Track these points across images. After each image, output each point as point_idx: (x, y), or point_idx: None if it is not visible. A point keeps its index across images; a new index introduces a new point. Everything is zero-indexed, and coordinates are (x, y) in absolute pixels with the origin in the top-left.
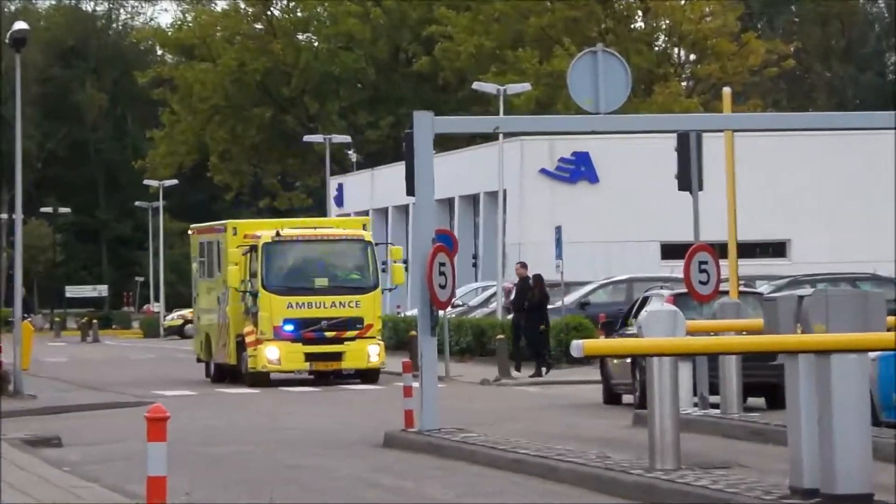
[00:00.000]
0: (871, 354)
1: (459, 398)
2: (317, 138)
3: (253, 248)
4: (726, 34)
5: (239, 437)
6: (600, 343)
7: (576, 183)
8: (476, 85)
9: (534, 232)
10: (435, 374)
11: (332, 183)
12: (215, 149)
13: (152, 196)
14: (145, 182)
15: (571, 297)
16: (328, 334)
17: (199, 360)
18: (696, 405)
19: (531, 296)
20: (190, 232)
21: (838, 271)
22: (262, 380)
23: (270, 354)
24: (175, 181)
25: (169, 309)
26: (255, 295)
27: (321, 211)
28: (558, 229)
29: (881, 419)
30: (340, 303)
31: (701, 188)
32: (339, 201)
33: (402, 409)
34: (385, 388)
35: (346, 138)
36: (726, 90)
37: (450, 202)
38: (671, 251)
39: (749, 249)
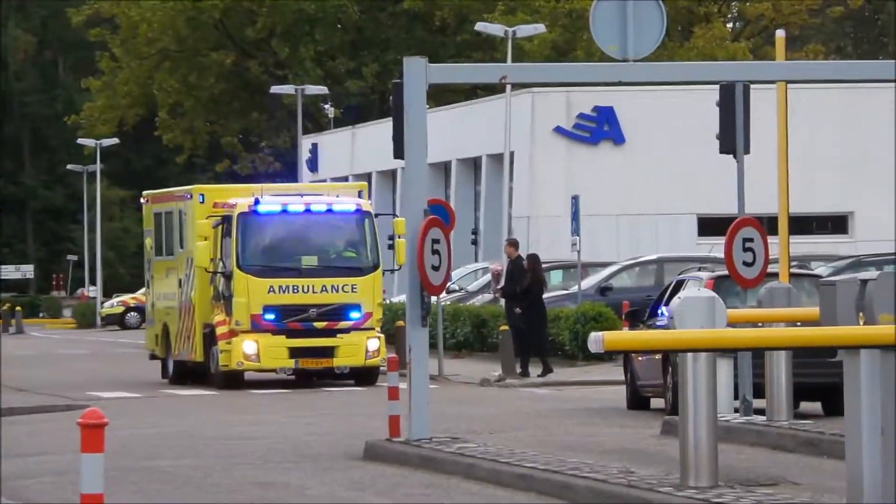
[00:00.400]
0: None
1: (455, 401)
2: (287, 89)
3: (226, 220)
4: None
5: (193, 448)
6: (624, 336)
7: (597, 144)
8: (480, 26)
9: (546, 203)
10: (426, 372)
11: (305, 143)
12: (164, 102)
13: (88, 158)
14: (79, 141)
15: (590, 281)
16: (317, 325)
17: (153, 357)
18: (737, 410)
19: (526, 281)
20: (143, 200)
21: None
22: (235, 380)
23: (247, 349)
24: (115, 140)
25: (107, 294)
26: (228, 276)
27: (292, 177)
28: (575, 199)
29: None
30: (333, 287)
31: (747, 151)
32: (313, 165)
33: (386, 414)
34: (377, 390)
35: (322, 89)
36: (780, 33)
37: (446, 166)
38: (710, 226)
39: (804, 224)
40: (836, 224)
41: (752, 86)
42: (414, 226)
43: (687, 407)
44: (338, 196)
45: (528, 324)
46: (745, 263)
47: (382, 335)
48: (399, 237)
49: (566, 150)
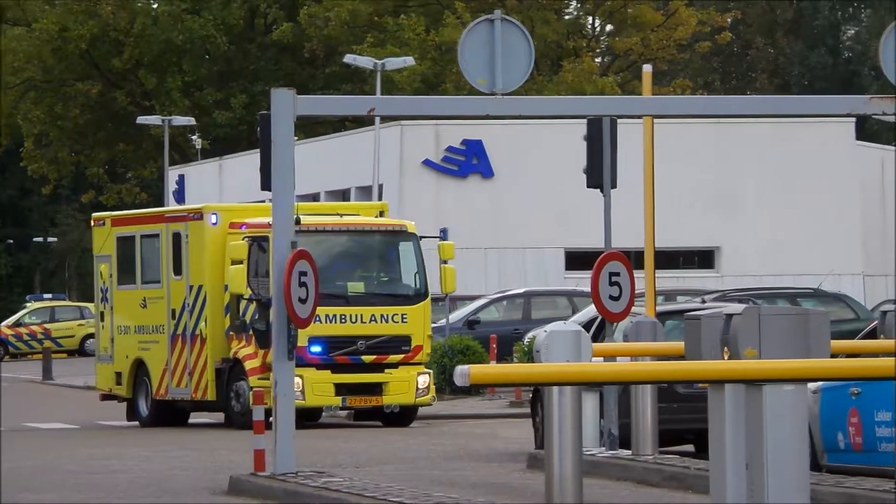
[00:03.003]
0: (813, 386)
1: (322, 436)
2: (154, 120)
3: (259, 241)
4: (650, 1)
5: (53, 482)
6: (490, 369)
7: (466, 177)
8: (348, 58)
9: None
10: (292, 406)
11: (172, 174)
12: (29, 132)
13: None
14: None
15: (458, 314)
16: (365, 359)
17: (107, 398)
18: (603, 445)
19: None
20: (96, 223)
21: (775, 286)
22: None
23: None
24: None
25: None
26: (265, 304)
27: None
28: (444, 232)
29: (822, 463)
30: (382, 316)
31: (614, 185)
32: (180, 196)
33: (251, 448)
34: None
35: (190, 120)
36: (647, 68)
37: (314, 198)
38: (578, 260)
39: (671, 259)
40: (703, 259)
41: (620, 120)
42: (281, 258)
43: (552, 440)
44: (381, 215)
45: None
46: (612, 297)
47: (431, 371)
48: (445, 262)
49: (435, 183)
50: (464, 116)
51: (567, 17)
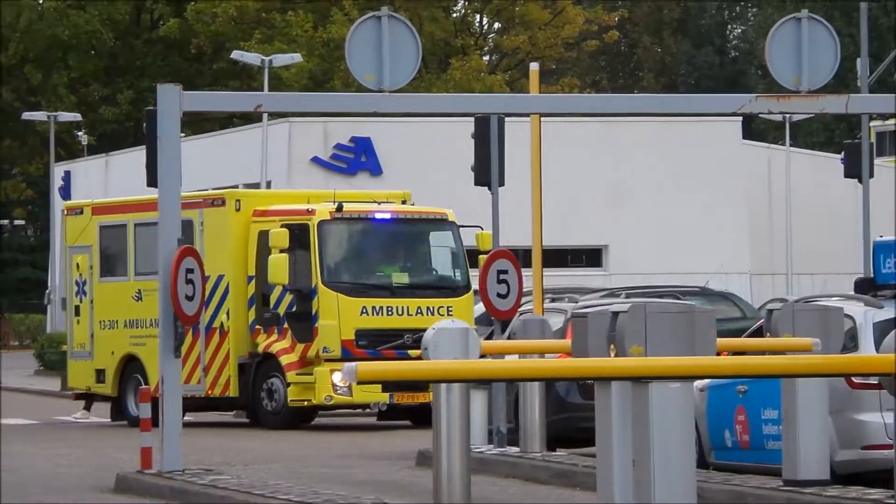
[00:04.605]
0: (700, 384)
1: (211, 433)
2: (39, 116)
3: (297, 229)
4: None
5: None
6: (377, 366)
7: (355, 174)
8: (236, 54)
9: None
10: (179, 403)
11: (58, 171)
12: None
13: None
14: None
15: None
16: (412, 353)
17: (82, 397)
18: (491, 442)
19: None
20: (73, 211)
21: (663, 284)
22: (308, 418)
23: (339, 379)
24: None
25: None
26: (305, 295)
27: (45, 205)
28: None
29: (709, 461)
30: (428, 309)
31: (502, 183)
32: (66, 192)
33: (138, 446)
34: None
35: (76, 116)
36: (534, 66)
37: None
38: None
39: (558, 257)
40: (591, 257)
41: (510, 119)
42: (167, 255)
43: (440, 438)
44: (409, 202)
45: None
46: (500, 295)
47: None
48: (483, 253)
49: (323, 180)
50: (352, 113)
51: (455, 15)
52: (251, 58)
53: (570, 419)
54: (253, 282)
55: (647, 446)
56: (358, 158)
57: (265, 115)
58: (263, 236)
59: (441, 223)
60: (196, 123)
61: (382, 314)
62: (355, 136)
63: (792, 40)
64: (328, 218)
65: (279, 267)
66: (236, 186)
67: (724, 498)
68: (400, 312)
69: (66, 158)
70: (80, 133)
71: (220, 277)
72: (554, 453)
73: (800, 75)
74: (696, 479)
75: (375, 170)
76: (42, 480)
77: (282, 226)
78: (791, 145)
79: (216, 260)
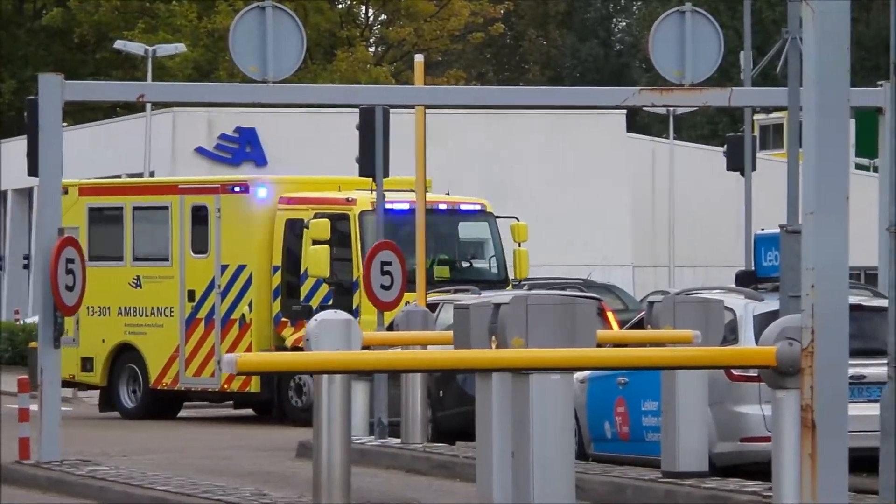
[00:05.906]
0: (580, 375)
1: (91, 424)
2: None
3: (335, 218)
4: None
5: None
6: (258, 357)
7: (239, 165)
8: (119, 44)
9: None
10: (58, 393)
11: None
12: None
13: None
14: None
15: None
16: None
17: (65, 385)
18: (372, 433)
19: None
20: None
21: (547, 276)
22: None
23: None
24: None
25: None
26: (347, 290)
27: None
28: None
29: (589, 452)
30: None
31: (387, 174)
32: None
33: (16, 436)
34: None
35: None
36: (418, 58)
37: None
38: None
39: None
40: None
41: (392, 110)
42: (47, 245)
43: (321, 429)
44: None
45: None
46: (383, 287)
47: None
48: (520, 245)
49: (208, 171)
50: (236, 104)
51: (340, 6)
52: (135, 47)
53: (471, 412)
54: (278, 272)
55: (526, 438)
56: (243, 149)
57: (148, 105)
58: (291, 225)
59: (480, 214)
60: (79, 113)
61: None
62: (240, 126)
63: (675, 33)
64: (370, 208)
65: (321, 259)
66: (119, 176)
67: (602, 489)
68: None
69: None
70: None
71: (241, 268)
72: (435, 445)
73: (683, 68)
74: (574, 471)
75: (260, 160)
76: None
77: (316, 215)
78: (675, 138)
79: (236, 249)
